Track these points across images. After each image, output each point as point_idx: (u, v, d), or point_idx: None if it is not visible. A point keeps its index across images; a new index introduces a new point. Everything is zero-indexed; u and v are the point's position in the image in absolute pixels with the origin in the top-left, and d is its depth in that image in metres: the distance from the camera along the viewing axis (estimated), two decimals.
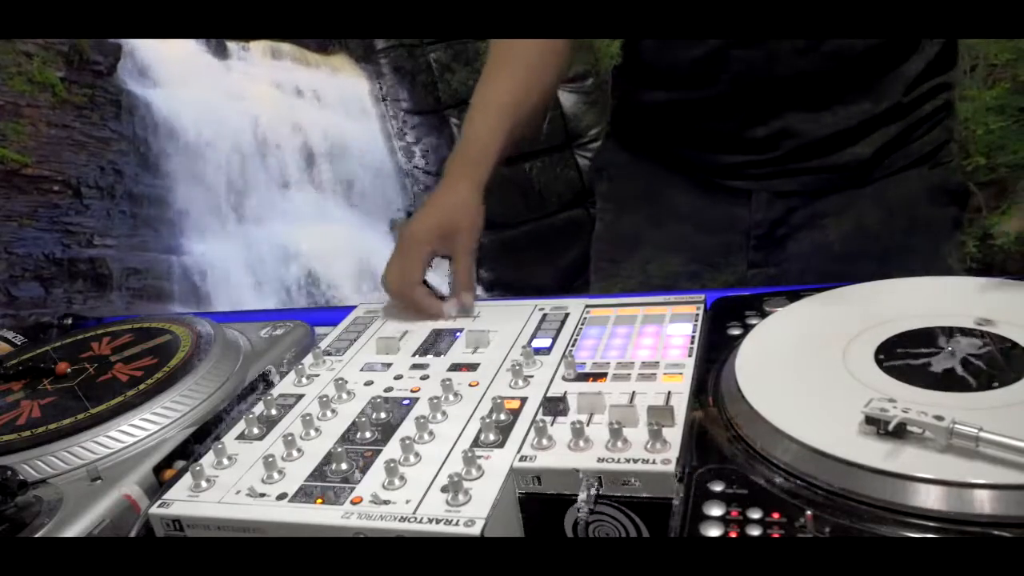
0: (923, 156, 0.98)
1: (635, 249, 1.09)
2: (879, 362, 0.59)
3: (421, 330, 0.81)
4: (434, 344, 0.78)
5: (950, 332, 0.61)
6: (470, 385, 0.68)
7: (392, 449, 0.61)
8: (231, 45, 2.23)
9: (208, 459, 0.63)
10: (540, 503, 0.57)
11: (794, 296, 0.73)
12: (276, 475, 0.60)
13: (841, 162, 0.95)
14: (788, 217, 0.99)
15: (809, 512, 0.47)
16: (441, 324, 0.81)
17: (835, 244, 0.98)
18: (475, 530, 0.51)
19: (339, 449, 0.61)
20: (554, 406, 0.62)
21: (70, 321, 0.99)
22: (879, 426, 0.51)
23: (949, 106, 0.99)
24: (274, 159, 2.29)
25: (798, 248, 1.00)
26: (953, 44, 0.98)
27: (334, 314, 0.89)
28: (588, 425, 0.59)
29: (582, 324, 0.77)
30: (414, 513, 0.54)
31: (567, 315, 0.79)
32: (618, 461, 0.55)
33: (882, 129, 0.94)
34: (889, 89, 0.93)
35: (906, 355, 0.59)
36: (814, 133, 0.94)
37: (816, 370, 0.60)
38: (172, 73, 2.19)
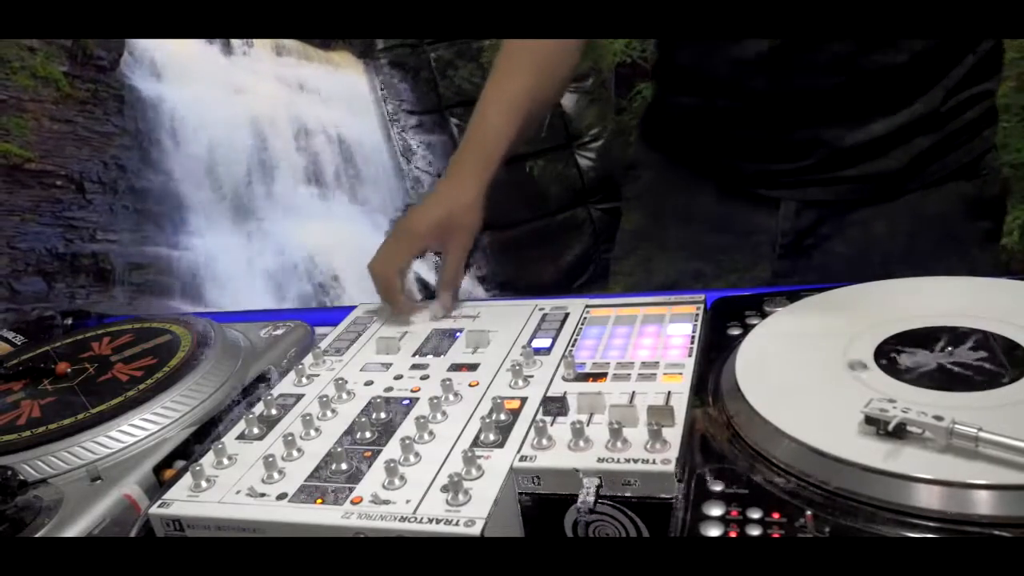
0: (960, 168, 0.94)
1: (659, 250, 1.07)
2: (879, 362, 0.59)
3: (421, 330, 0.81)
4: (434, 344, 0.78)
5: (950, 332, 0.61)
6: (470, 385, 0.68)
7: (392, 449, 0.61)
8: (235, 41, 2.23)
9: (208, 459, 0.63)
10: (540, 503, 0.57)
11: (794, 296, 0.73)
12: (276, 475, 0.60)
13: (874, 172, 0.92)
14: (816, 227, 0.97)
15: (809, 512, 0.47)
16: (441, 324, 0.81)
17: (863, 255, 0.95)
18: (475, 530, 0.51)
19: (339, 449, 0.61)
20: (554, 406, 0.62)
21: (70, 321, 0.99)
22: (879, 426, 0.51)
23: (991, 115, 0.95)
24: (277, 155, 2.29)
25: (824, 259, 0.97)
26: (998, 49, 0.94)
27: (334, 314, 0.89)
28: (588, 425, 0.59)
29: (582, 324, 0.77)
30: (414, 513, 0.54)
31: (567, 315, 0.79)
32: (618, 461, 0.55)
33: (918, 138, 0.91)
34: (927, 98, 0.90)
35: (906, 355, 0.59)
36: (848, 141, 0.91)
37: (816, 370, 0.60)
38: (175, 68, 2.19)
